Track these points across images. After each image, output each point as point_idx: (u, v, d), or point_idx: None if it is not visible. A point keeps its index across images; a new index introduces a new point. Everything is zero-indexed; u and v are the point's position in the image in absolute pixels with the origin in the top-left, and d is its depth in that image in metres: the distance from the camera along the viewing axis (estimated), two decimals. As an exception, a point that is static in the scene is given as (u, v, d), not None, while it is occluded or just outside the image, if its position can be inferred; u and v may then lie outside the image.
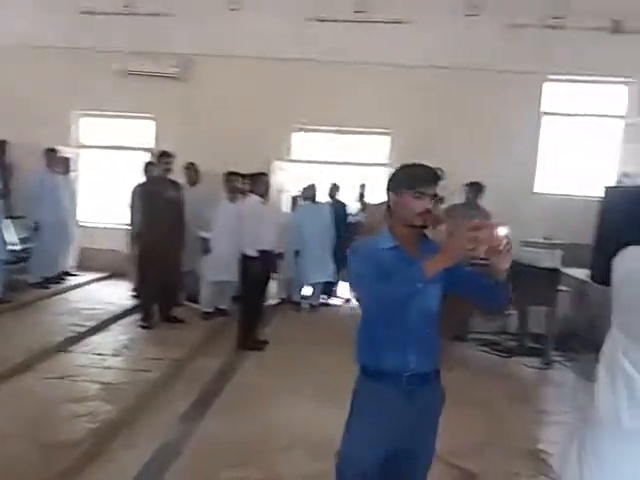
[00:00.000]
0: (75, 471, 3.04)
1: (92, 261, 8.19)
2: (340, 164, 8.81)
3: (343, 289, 7.97)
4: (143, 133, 8.82)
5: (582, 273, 6.14)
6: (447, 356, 2.06)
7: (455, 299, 2.07)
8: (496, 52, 7.86)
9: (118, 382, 4.37)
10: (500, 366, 5.53)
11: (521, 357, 5.66)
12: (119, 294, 7.15)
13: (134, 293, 6.73)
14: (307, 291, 7.44)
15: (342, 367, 4.52)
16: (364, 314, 2.01)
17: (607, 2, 7.75)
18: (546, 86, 8.27)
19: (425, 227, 1.97)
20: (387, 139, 8.48)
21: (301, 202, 7.43)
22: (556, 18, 7.82)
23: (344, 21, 8.07)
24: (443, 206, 5.76)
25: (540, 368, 5.41)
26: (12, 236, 6.97)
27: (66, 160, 7.66)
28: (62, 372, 4.47)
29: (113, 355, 5.01)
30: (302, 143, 8.80)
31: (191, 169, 7.05)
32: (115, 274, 8.07)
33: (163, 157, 5.95)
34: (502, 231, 1.74)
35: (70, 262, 8.01)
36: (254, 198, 5.35)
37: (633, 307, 1.71)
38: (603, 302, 5.22)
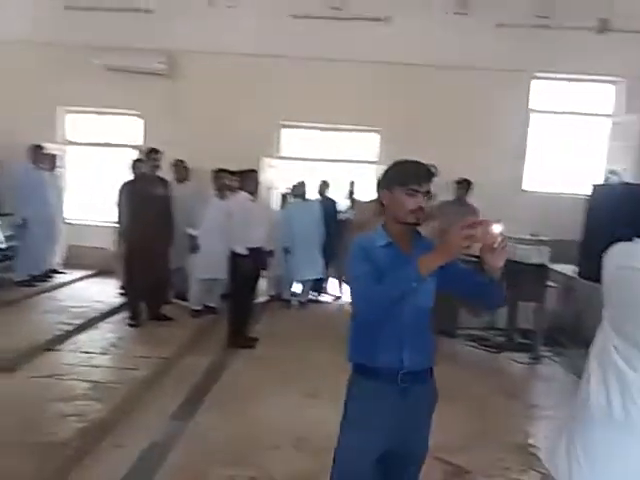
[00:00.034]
0: (63, 471, 3.01)
1: (79, 259, 8.11)
2: (330, 161, 8.80)
3: (333, 286, 7.98)
4: (130, 130, 8.75)
5: (569, 269, 6.20)
6: (436, 351, 2.06)
7: (443, 294, 2.06)
8: (484, 50, 7.90)
9: (106, 381, 4.33)
10: (489, 361, 5.56)
11: (510, 352, 5.69)
12: (107, 292, 7.08)
13: (122, 291, 6.68)
14: (297, 288, 7.43)
15: (333, 364, 4.52)
16: (358, 313, 1.99)
17: (594, 1, 7.83)
18: (534, 84, 8.32)
19: (418, 224, 1.96)
20: (376, 136, 8.49)
21: (290, 199, 7.42)
22: (544, 17, 7.87)
23: (333, 18, 8.04)
24: (434, 203, 5.77)
25: (529, 363, 5.45)
26: (-2, 233, 6.90)
27: (52, 157, 7.58)
28: (49, 371, 4.42)
29: (101, 353, 4.97)
30: (292, 140, 8.78)
31: (179, 166, 7.01)
32: (102, 272, 8.00)
33: (151, 154, 5.90)
34: (497, 228, 1.73)
35: (57, 260, 7.94)
36: (243, 195, 5.33)
37: (622, 303, 1.72)
38: (590, 297, 5.30)
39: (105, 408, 3.80)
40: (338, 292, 7.92)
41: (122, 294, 6.61)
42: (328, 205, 7.55)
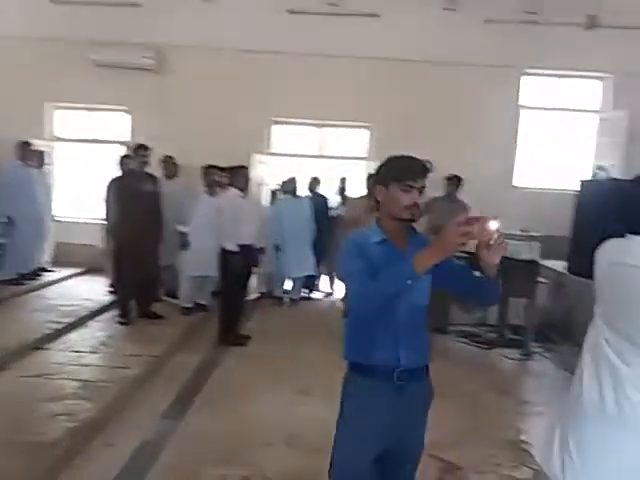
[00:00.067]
0: (54, 471, 2.98)
1: (68, 256, 8.04)
2: (320, 157, 8.79)
3: (324, 283, 7.97)
4: (118, 126, 8.68)
5: (559, 265, 6.23)
6: (431, 348, 2.05)
7: (436, 291, 2.05)
8: (473, 46, 7.91)
9: (96, 380, 4.29)
10: (480, 358, 5.58)
11: (501, 348, 5.71)
12: (96, 290, 7.03)
13: (111, 289, 6.64)
14: (288, 285, 7.42)
15: (325, 361, 4.55)
16: (353, 310, 1.98)
17: (582, -3, 7.87)
18: (523, 80, 8.35)
19: (413, 220, 1.94)
20: (366, 132, 8.48)
21: (281, 196, 7.39)
22: (532, 13, 7.89)
23: (323, 14, 8.01)
24: (424, 199, 5.77)
25: (520, 359, 5.47)
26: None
27: (40, 153, 7.50)
28: (39, 370, 4.38)
29: (91, 352, 4.92)
30: (282, 136, 8.75)
31: (168, 162, 6.96)
32: (92, 269, 7.94)
33: (140, 150, 5.86)
34: (494, 225, 1.71)
35: (46, 258, 7.86)
36: (233, 192, 5.30)
37: (615, 299, 1.72)
38: (580, 293, 5.33)
39: (95, 407, 3.77)
40: (329, 289, 7.91)
41: (112, 292, 6.56)
42: (319, 202, 7.53)
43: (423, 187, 1.91)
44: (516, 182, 8.44)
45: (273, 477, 3.07)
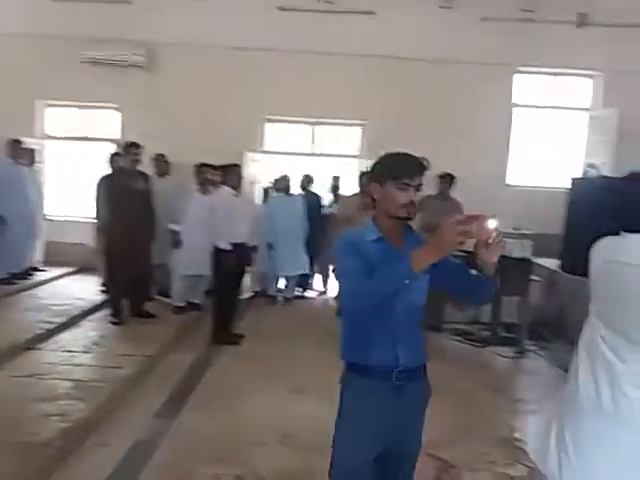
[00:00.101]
0: (46, 472, 2.96)
1: (60, 255, 7.98)
2: (313, 155, 8.77)
3: (317, 281, 7.97)
4: (109, 123, 8.63)
5: (552, 263, 6.25)
6: (426, 346, 2.04)
7: (432, 289, 2.04)
8: (469, 44, 7.91)
9: (89, 380, 4.27)
10: (474, 356, 5.59)
11: (495, 346, 5.72)
12: (88, 289, 6.99)
13: (103, 288, 6.60)
14: (282, 284, 7.40)
15: (318, 360, 4.55)
16: (350, 310, 1.95)
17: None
18: (516, 78, 8.37)
19: (410, 219, 1.92)
20: (358, 130, 8.47)
21: (273, 194, 7.37)
22: (528, 11, 7.90)
23: (317, 11, 8.00)
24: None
25: (513, 357, 5.49)
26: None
27: (31, 151, 7.45)
28: (31, 370, 4.35)
29: (83, 352, 4.89)
30: (275, 134, 8.73)
31: (160, 160, 6.92)
32: (84, 268, 7.89)
33: (131, 148, 5.81)
34: (492, 224, 1.69)
35: (37, 257, 7.80)
36: (226, 190, 5.27)
37: (610, 297, 1.73)
38: (573, 291, 5.35)
39: (88, 407, 3.74)
40: (323, 287, 7.90)
41: (104, 291, 6.53)
42: (312, 200, 7.51)
43: (420, 185, 1.89)
44: (509, 180, 8.47)
45: (267, 476, 3.06)
